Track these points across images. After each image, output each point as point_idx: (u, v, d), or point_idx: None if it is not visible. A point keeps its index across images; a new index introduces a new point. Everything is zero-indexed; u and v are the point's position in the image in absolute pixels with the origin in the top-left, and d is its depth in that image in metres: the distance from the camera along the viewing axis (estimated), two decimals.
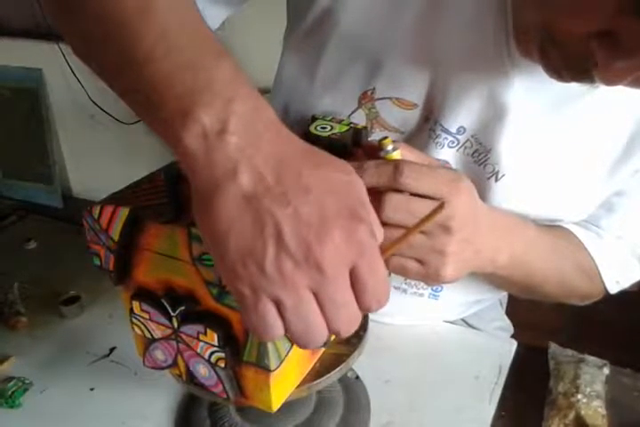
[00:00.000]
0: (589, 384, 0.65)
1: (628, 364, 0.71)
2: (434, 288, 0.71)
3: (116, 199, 0.42)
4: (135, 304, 0.45)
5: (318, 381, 0.50)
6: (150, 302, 0.44)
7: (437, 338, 0.75)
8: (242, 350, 0.43)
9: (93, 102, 1.90)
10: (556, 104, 0.55)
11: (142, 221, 0.41)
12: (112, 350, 0.73)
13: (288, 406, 0.59)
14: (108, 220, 0.41)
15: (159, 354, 0.48)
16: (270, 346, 0.42)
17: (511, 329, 0.92)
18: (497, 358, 0.71)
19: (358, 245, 0.33)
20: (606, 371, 0.68)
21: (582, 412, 0.62)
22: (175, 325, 0.44)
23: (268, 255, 0.31)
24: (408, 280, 0.70)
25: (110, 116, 1.91)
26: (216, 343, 0.43)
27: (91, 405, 0.66)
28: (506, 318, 0.93)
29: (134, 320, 0.46)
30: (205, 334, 0.43)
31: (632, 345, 1.46)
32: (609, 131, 0.57)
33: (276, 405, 0.47)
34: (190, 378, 0.47)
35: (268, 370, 0.43)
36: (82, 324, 0.78)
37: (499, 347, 0.73)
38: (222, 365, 0.44)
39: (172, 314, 0.43)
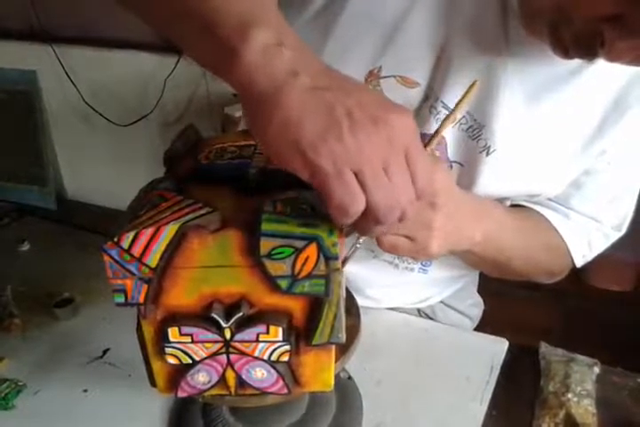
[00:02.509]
0: (580, 383, 0.66)
1: (620, 363, 0.72)
2: (423, 263, 0.76)
3: (142, 224, 0.40)
4: (173, 331, 0.42)
5: (348, 352, 0.51)
6: (193, 322, 0.42)
7: (429, 338, 0.76)
8: (311, 334, 0.43)
9: (87, 104, 1.90)
10: (544, 86, 0.60)
11: (183, 238, 0.40)
12: (105, 351, 0.73)
13: (281, 406, 0.59)
14: (144, 245, 0.39)
15: (202, 376, 0.46)
16: (344, 319, 0.43)
17: (482, 305, 0.98)
18: (488, 358, 0.72)
19: (411, 130, 0.38)
20: (597, 370, 0.69)
21: (573, 411, 0.63)
22: (228, 336, 0.43)
23: (344, 128, 0.35)
24: (399, 256, 0.74)
25: (105, 118, 1.91)
26: (280, 338, 0.43)
27: (84, 406, 0.66)
28: (477, 295, 0.98)
29: (169, 350, 0.43)
30: (267, 332, 0.42)
31: (626, 345, 1.46)
32: (586, 112, 0.62)
33: (332, 382, 0.48)
34: (238, 389, 0.47)
35: (340, 344, 0.44)
36: (75, 326, 0.78)
37: (490, 347, 0.74)
38: (285, 358, 0.44)
39: (225, 325, 0.42)
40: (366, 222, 0.39)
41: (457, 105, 0.51)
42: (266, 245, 0.39)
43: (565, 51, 0.50)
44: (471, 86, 0.50)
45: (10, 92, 2.00)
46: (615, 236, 0.72)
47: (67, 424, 0.64)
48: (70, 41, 1.85)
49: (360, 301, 0.59)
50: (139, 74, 1.84)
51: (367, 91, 0.39)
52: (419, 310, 0.88)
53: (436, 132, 0.51)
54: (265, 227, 0.39)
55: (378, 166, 0.36)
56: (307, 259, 0.39)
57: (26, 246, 0.95)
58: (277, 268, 0.40)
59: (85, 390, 0.68)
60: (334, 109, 0.35)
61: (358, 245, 0.50)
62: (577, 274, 1.01)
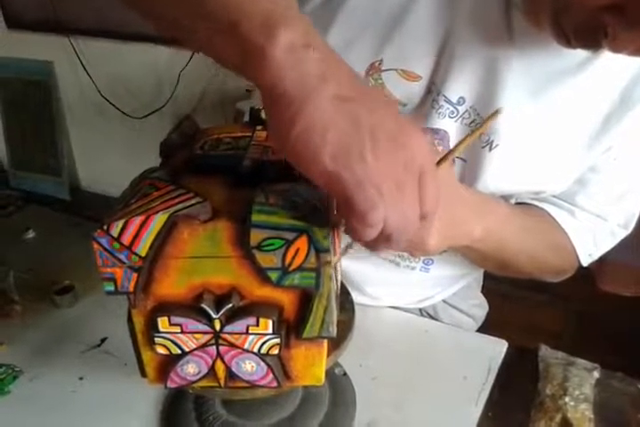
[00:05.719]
0: (578, 387, 0.65)
1: (627, 368, 0.70)
2: (425, 261, 0.75)
3: (132, 212, 0.40)
4: (162, 321, 0.42)
5: (340, 347, 0.51)
6: (183, 312, 0.42)
7: (427, 337, 0.75)
8: (302, 328, 0.43)
9: (102, 96, 1.92)
10: (549, 80, 0.59)
11: (173, 227, 0.39)
12: (103, 340, 0.74)
13: (273, 400, 0.59)
14: (133, 234, 0.39)
15: (191, 367, 0.46)
16: (335, 313, 0.42)
17: (486, 306, 0.96)
18: (486, 359, 0.71)
19: (426, 153, 0.39)
20: (596, 374, 0.68)
21: (569, 415, 0.62)
22: (217, 327, 0.43)
23: (367, 147, 0.35)
24: (400, 254, 0.73)
25: (119, 110, 1.93)
26: (270, 331, 0.42)
27: (79, 394, 0.67)
28: (481, 295, 0.97)
29: (158, 340, 0.43)
30: (257, 324, 0.42)
31: (634, 350, 1.44)
32: (591, 107, 0.61)
33: (323, 376, 0.47)
34: (228, 381, 0.47)
35: (331, 338, 0.44)
36: (74, 314, 0.79)
37: (489, 348, 0.73)
38: (275, 351, 0.44)
39: (215, 316, 0.42)
40: (377, 240, 0.38)
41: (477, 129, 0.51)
42: (256, 236, 0.39)
43: (568, 41, 0.50)
44: (493, 114, 0.49)
45: (27, 83, 2.02)
46: (622, 234, 0.70)
47: (61, 411, 0.65)
48: (87, 33, 1.87)
49: (359, 298, 0.58)
50: (154, 67, 1.85)
51: (387, 107, 0.39)
52: (420, 310, 0.87)
53: (451, 150, 0.50)
54: (255, 218, 0.39)
55: (393, 186, 0.36)
56: (297, 251, 0.39)
57: (30, 234, 0.96)
58: (267, 260, 0.40)
59: (81, 378, 0.69)
60: (359, 125, 0.35)
61: (351, 251, 0.46)
62: (585, 277, 0.99)
